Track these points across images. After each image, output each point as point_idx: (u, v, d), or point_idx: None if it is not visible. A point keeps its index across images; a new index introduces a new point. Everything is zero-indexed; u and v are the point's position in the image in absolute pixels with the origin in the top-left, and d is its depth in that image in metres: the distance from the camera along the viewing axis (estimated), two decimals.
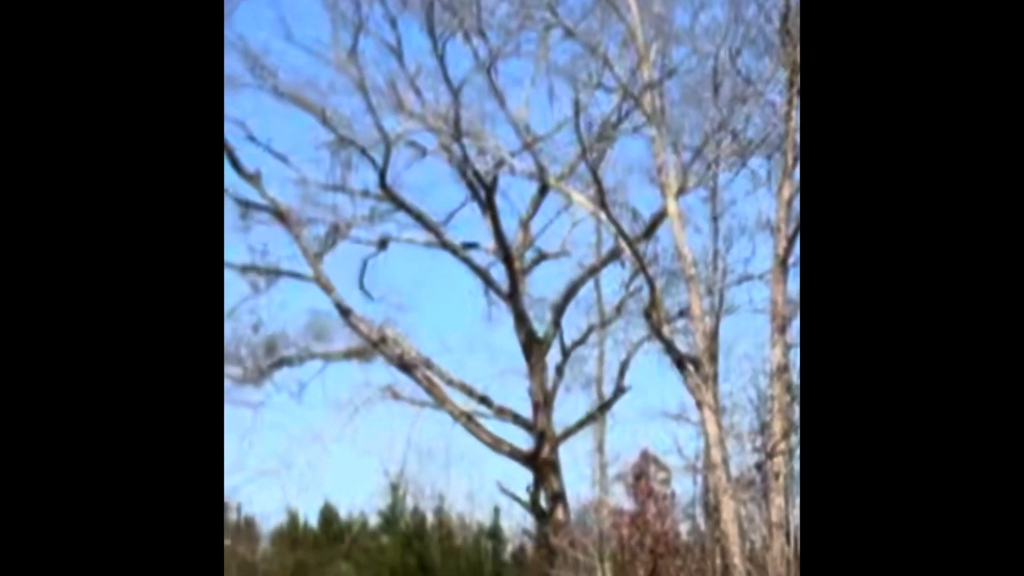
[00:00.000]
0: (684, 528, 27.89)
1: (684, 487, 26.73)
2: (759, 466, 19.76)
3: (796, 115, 18.95)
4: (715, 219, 21.36)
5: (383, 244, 29.56)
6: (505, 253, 28.60)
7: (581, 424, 29.26)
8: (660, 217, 23.81)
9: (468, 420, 29.24)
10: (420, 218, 28.98)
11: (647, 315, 21.95)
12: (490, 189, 28.11)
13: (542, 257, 29.78)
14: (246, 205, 28.49)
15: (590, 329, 29.19)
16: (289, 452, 28.70)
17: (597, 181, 22.37)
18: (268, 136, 28.42)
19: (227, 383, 27.11)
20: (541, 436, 28.80)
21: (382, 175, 28.07)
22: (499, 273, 29.22)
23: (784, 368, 19.57)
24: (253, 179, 28.40)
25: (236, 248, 27.94)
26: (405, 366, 29.05)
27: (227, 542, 31.96)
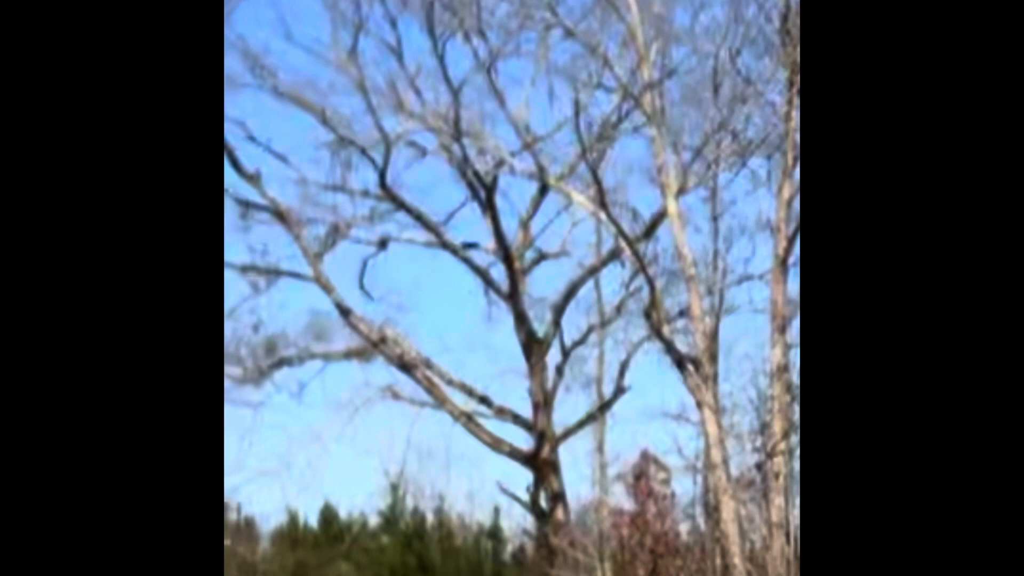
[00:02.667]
0: (684, 528, 27.63)
1: (684, 487, 26.52)
2: (759, 466, 19.59)
3: (796, 115, 18.72)
4: (715, 219, 21.05)
5: (383, 244, 29.48)
6: (505, 253, 28.46)
7: (581, 424, 29.17)
8: (660, 217, 23.67)
9: (468, 420, 29.16)
10: (420, 218, 28.77)
11: (647, 315, 21.77)
12: (490, 189, 28.05)
13: (542, 257, 29.66)
14: (246, 205, 28.37)
15: (590, 329, 29.13)
16: (289, 452, 28.62)
17: (597, 181, 22.18)
18: (268, 136, 28.49)
19: (227, 383, 27.07)
20: (541, 436, 28.74)
21: (382, 175, 27.97)
22: (499, 273, 29.17)
23: (784, 368, 19.35)
24: (253, 179, 28.27)
25: (236, 248, 28.06)
26: (405, 366, 29.01)
27: (227, 542, 31.56)
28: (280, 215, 28.32)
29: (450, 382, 29.28)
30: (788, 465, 19.00)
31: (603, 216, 22.56)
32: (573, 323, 29.24)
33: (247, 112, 32.11)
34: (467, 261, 29.25)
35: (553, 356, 29.24)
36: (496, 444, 29.22)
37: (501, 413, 29.39)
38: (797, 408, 18.01)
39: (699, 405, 19.94)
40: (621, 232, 22.72)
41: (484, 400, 29.32)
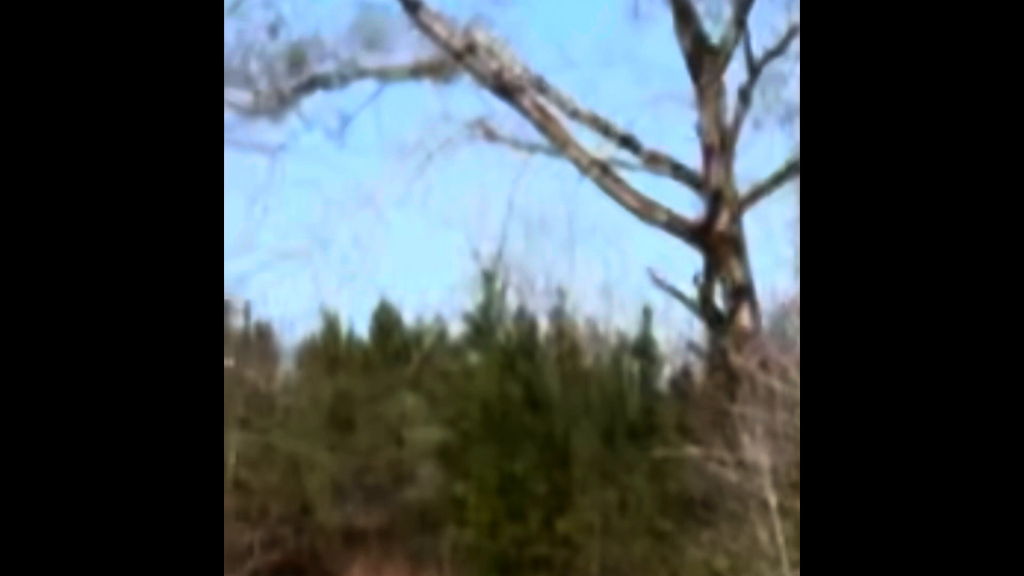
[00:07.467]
0: None
1: None
2: None
3: None
4: None
5: None
6: None
7: (778, 179, 25.09)
8: None
9: (603, 173, 25.03)
10: None
11: None
12: None
13: None
14: None
15: (791, 32, 24.78)
16: (325, 222, 24.89)
17: None
18: None
19: (230, 116, 23.96)
20: (716, 198, 25.01)
21: None
22: None
23: None
24: None
25: None
26: (505, 89, 25.18)
27: (229, 362, 26.44)
28: None
29: (575, 114, 25.08)
30: None
31: None
32: (766, 22, 24.89)
33: None
34: None
35: (735, 73, 25.37)
36: (646, 210, 25.30)
37: (654, 162, 25.50)
38: None
39: None
40: None
41: (627, 142, 25.16)
